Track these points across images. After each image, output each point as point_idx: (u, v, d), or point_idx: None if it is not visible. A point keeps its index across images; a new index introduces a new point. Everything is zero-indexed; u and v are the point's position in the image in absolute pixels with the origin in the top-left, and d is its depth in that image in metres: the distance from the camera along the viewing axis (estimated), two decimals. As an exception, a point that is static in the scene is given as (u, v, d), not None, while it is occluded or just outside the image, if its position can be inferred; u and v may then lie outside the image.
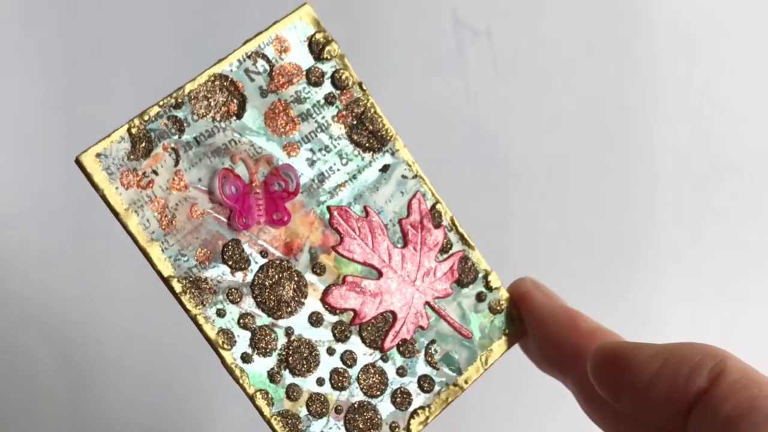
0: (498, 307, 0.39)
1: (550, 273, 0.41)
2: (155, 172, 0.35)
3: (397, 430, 0.37)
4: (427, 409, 0.37)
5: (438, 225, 0.38)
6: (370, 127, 0.38)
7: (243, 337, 0.35)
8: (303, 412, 0.35)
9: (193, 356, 0.61)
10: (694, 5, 0.67)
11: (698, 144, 0.68)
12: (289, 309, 0.36)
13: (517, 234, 0.65)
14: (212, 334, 0.35)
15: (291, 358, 0.36)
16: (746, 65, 0.68)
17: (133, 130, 0.34)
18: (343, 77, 0.37)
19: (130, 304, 0.61)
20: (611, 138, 0.67)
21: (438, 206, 0.38)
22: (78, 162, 0.34)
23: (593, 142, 0.67)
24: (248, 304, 0.35)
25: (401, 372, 0.37)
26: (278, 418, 0.35)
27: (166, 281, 0.34)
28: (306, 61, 0.37)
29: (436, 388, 0.37)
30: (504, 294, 0.39)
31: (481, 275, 0.39)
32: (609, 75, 0.67)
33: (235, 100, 0.36)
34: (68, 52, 0.61)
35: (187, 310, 0.34)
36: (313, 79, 0.37)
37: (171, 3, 0.62)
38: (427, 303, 0.38)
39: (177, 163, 0.35)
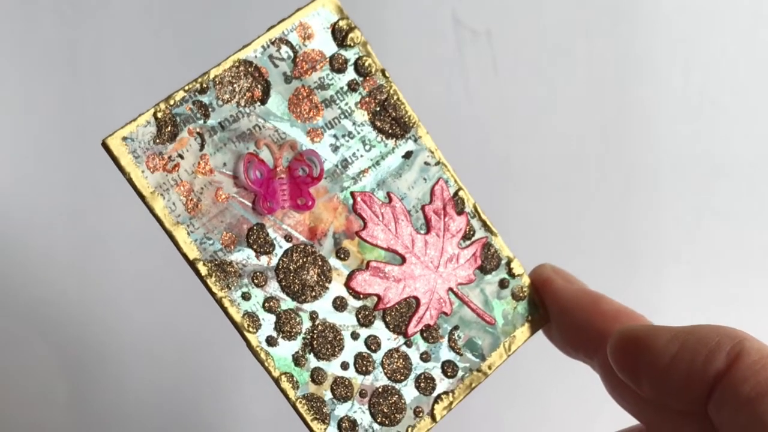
0: (521, 294, 0.39)
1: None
2: (181, 156, 0.35)
3: (421, 414, 0.37)
4: (450, 394, 0.37)
5: (461, 212, 0.38)
6: (393, 114, 0.38)
7: (268, 321, 0.35)
8: (328, 395, 0.35)
9: (197, 355, 0.61)
10: (694, 5, 0.68)
11: (698, 144, 0.68)
12: (314, 293, 0.36)
13: (516, 233, 0.65)
14: (237, 317, 0.35)
15: (316, 342, 0.36)
16: (746, 65, 0.69)
17: (159, 114, 0.34)
18: (366, 64, 0.37)
19: (131, 303, 0.61)
20: (611, 137, 0.67)
21: (461, 193, 0.39)
22: (104, 145, 0.34)
23: (593, 142, 0.67)
24: (273, 287, 0.35)
25: (425, 357, 0.37)
26: (303, 402, 0.35)
27: (192, 264, 0.34)
28: (329, 47, 0.37)
29: (460, 373, 0.38)
30: (527, 280, 0.39)
31: (503, 262, 0.39)
32: (609, 75, 0.67)
33: (259, 86, 0.36)
34: (68, 50, 0.60)
35: (212, 293, 0.34)
36: (337, 65, 0.37)
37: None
38: (450, 289, 0.38)
39: (202, 147, 0.35)
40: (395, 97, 0.38)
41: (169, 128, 0.34)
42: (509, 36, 0.66)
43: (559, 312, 0.38)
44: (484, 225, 0.39)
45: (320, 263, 0.36)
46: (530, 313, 0.39)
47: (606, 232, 0.68)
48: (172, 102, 0.35)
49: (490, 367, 0.38)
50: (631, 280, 0.68)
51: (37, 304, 0.59)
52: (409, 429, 0.36)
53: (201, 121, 0.35)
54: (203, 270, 0.34)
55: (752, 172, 0.69)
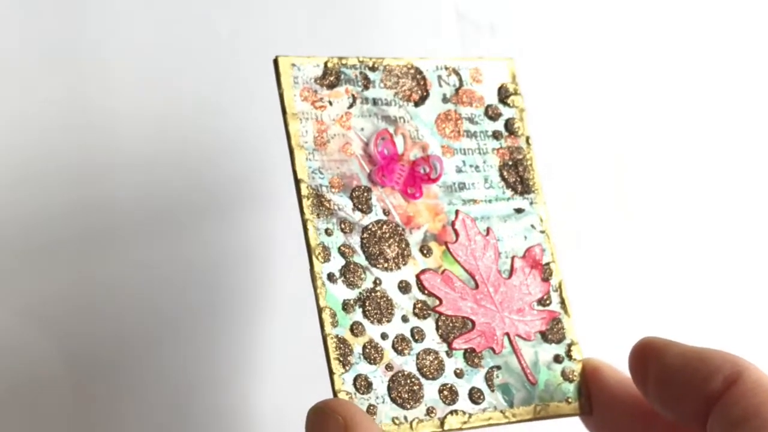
0: (571, 376, 0.38)
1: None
2: (330, 103, 0.38)
3: (432, 415, 0.36)
4: (467, 415, 0.36)
5: (546, 280, 0.39)
6: (522, 174, 0.40)
7: (337, 261, 0.36)
8: (357, 349, 0.35)
9: (199, 353, 0.59)
10: (696, 3, 0.68)
11: (699, 143, 0.66)
12: (387, 265, 0.37)
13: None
14: (314, 242, 0.36)
15: (369, 302, 0.36)
16: (748, 63, 0.67)
17: (330, 64, 0.38)
18: (516, 126, 0.41)
19: (131, 302, 0.59)
20: (613, 135, 0.66)
21: (552, 265, 0.40)
22: (275, 61, 0.38)
23: (595, 139, 0.65)
24: (354, 240, 0.37)
25: (458, 373, 0.37)
26: (335, 340, 0.35)
27: (297, 182, 0.36)
28: (491, 97, 0.41)
29: (484, 404, 0.36)
30: (580, 368, 0.39)
31: (566, 342, 0.39)
32: (613, 71, 0.66)
33: (419, 92, 0.40)
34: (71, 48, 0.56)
35: (302, 213, 0.36)
36: (491, 113, 0.41)
37: None
38: (507, 334, 0.38)
39: (351, 106, 0.38)
40: (529, 163, 0.41)
41: (332, 78, 0.38)
42: (514, 30, 0.66)
43: (607, 400, 0.38)
44: (562, 303, 0.39)
45: (403, 246, 0.37)
46: (572, 396, 0.38)
47: (607, 232, 0.64)
48: (344, 62, 0.39)
49: (514, 416, 0.37)
50: (633, 280, 0.64)
51: (39, 302, 0.58)
52: (416, 421, 0.35)
53: (360, 89, 0.39)
54: (305, 191, 0.36)
55: (754, 171, 0.67)
